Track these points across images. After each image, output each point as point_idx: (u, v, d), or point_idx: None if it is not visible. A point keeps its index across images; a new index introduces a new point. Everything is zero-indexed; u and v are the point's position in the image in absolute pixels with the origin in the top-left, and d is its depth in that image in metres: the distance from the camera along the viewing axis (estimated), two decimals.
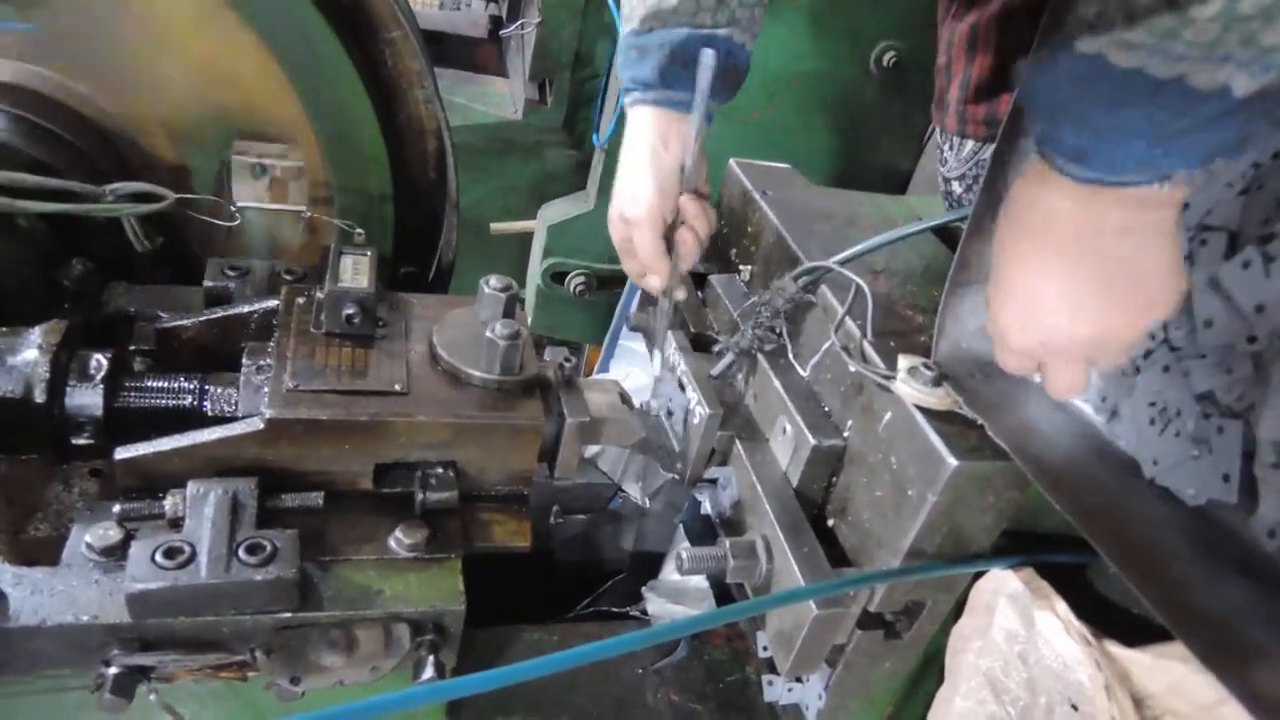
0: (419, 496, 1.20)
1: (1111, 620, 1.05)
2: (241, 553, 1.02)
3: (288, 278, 1.47)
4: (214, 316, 1.36)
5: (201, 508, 1.06)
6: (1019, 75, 0.82)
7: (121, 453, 1.11)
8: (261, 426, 1.12)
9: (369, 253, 1.34)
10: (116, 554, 1.05)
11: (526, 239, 2.60)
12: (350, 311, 1.25)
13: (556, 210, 2.46)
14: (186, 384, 1.22)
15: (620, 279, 2.33)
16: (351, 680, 1.13)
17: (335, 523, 1.17)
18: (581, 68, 2.79)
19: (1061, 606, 1.04)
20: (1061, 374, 0.96)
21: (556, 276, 2.45)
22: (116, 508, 1.10)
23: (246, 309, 1.36)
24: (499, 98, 3.06)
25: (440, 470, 1.22)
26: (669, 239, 1.34)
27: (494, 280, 1.31)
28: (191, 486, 1.08)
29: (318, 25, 1.60)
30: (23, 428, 1.14)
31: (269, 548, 1.03)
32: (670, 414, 1.42)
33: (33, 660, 1.01)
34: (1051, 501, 0.95)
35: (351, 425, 1.15)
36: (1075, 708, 1.04)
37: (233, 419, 1.17)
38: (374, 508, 1.20)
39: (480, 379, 1.24)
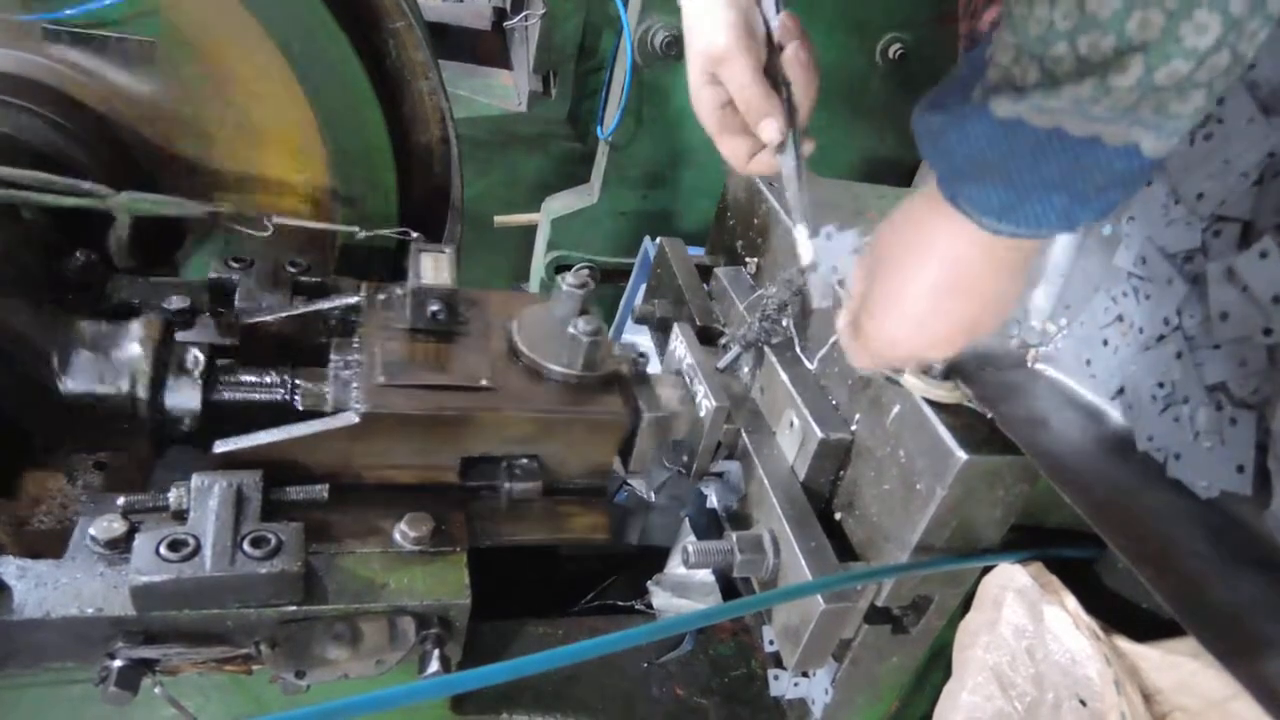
0: (505, 487, 1.23)
1: (1120, 615, 1.05)
2: (246, 545, 1.02)
3: (292, 270, 1.46)
4: (296, 312, 1.37)
5: (206, 500, 1.06)
6: (916, 125, 0.82)
7: (220, 446, 1.12)
8: (356, 420, 1.13)
9: (447, 250, 1.36)
10: (121, 546, 1.05)
11: (530, 231, 2.60)
12: (435, 308, 1.27)
13: (560, 203, 2.45)
14: (277, 379, 1.23)
15: (624, 272, 2.33)
16: (356, 674, 1.12)
17: (340, 516, 1.17)
18: (585, 60, 2.78)
19: (1070, 601, 1.03)
20: (868, 363, 1.03)
21: (560, 269, 2.44)
22: (121, 500, 1.10)
23: (327, 305, 1.36)
24: (503, 90, 3.05)
25: (524, 461, 1.25)
26: (772, 77, 1.08)
27: (570, 278, 1.33)
28: (196, 479, 1.08)
29: (321, 15, 1.59)
30: (126, 422, 1.15)
31: (273, 540, 1.03)
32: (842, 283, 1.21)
33: (37, 653, 1.00)
34: (1062, 495, 0.94)
35: (442, 419, 1.18)
36: (1083, 703, 1.03)
37: (321, 413, 1.18)
38: (379, 501, 1.20)
39: (561, 374, 1.27)
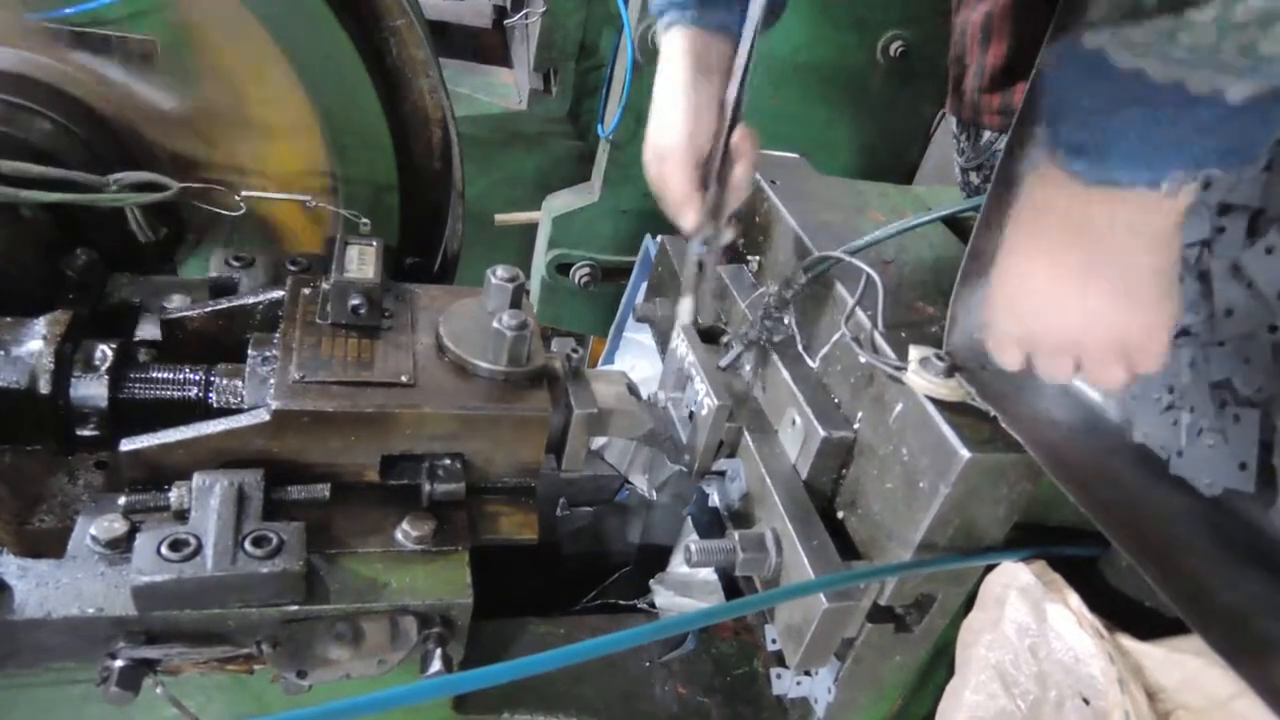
0: (426, 488, 1.19)
1: (1123, 613, 1.04)
2: (247, 545, 1.02)
3: (292, 268, 1.46)
4: (219, 307, 1.35)
5: (207, 500, 1.05)
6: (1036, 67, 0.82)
7: (127, 444, 1.10)
8: (268, 418, 1.11)
9: (375, 243, 1.33)
10: (122, 546, 1.04)
11: (531, 230, 2.59)
12: (356, 302, 1.24)
13: (561, 201, 2.45)
14: (192, 375, 1.21)
15: (625, 270, 2.32)
16: (358, 673, 1.12)
17: (342, 515, 1.16)
18: (586, 58, 2.77)
19: (1074, 599, 1.03)
20: (1046, 368, 0.98)
21: (561, 268, 2.44)
22: (122, 500, 1.09)
23: (252, 300, 1.34)
24: (503, 88, 3.04)
25: (447, 462, 1.21)
26: (706, 176, 1.22)
27: (501, 271, 1.30)
28: (197, 478, 1.07)
29: (322, 13, 1.58)
30: (27, 418, 1.13)
31: (275, 540, 1.02)
32: (690, 380, 1.36)
33: (38, 653, 1.00)
34: (1066, 494, 0.94)
35: (358, 417, 1.14)
36: (1086, 701, 1.03)
37: (238, 410, 1.17)
38: (381, 500, 1.20)
39: (487, 370, 1.23)
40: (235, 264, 1.46)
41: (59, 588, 1.00)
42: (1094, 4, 0.71)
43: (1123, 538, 0.89)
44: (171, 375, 1.21)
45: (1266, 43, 0.63)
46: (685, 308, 1.39)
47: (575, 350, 1.35)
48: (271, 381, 1.16)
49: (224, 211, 1.58)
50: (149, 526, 1.05)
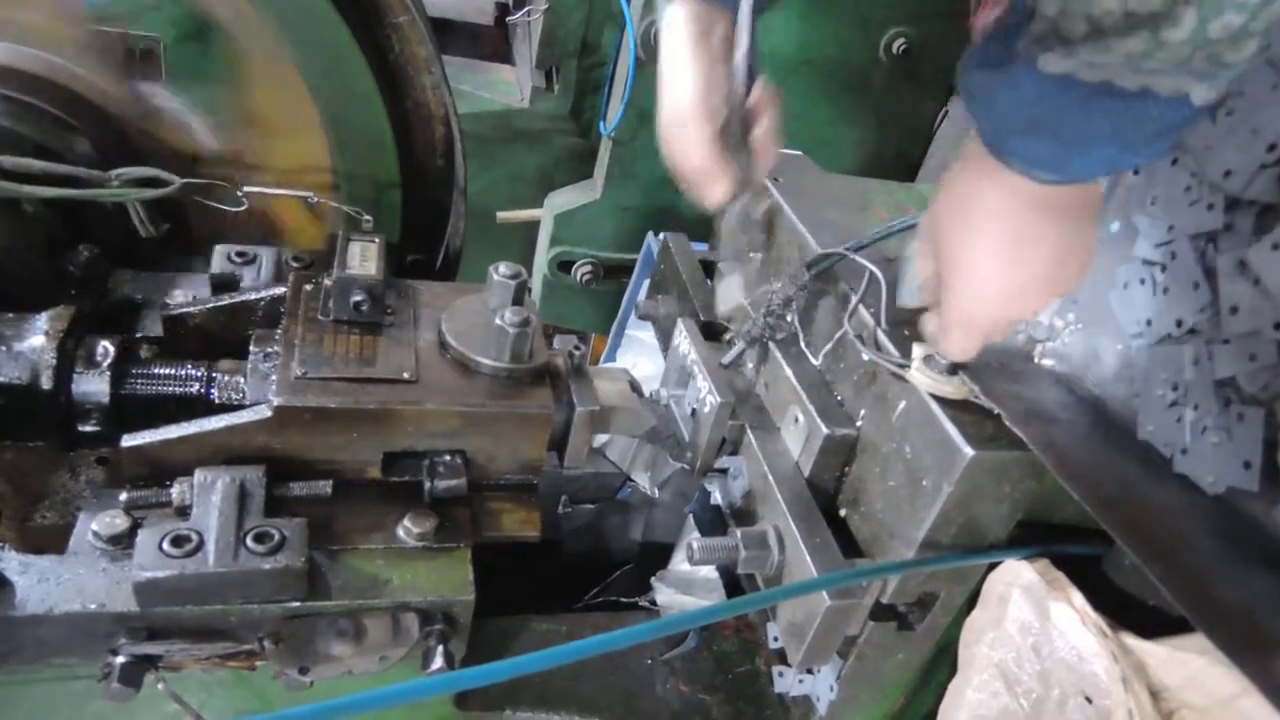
0: (427, 485, 1.19)
1: (1126, 612, 1.04)
2: (249, 541, 1.01)
3: (295, 265, 1.45)
4: (221, 303, 1.35)
5: (209, 496, 1.05)
6: (963, 83, 0.84)
7: (128, 440, 1.10)
8: (269, 414, 1.11)
9: (377, 239, 1.33)
10: (124, 542, 1.04)
11: (533, 227, 2.59)
12: (358, 299, 1.24)
13: (563, 199, 2.45)
14: (194, 371, 1.21)
15: (627, 268, 2.32)
16: (360, 670, 1.12)
17: (343, 511, 1.16)
18: (588, 55, 2.77)
19: (1078, 598, 1.03)
20: (970, 340, 1.03)
21: (563, 265, 2.44)
22: (123, 496, 1.09)
23: (254, 296, 1.34)
24: (505, 85, 3.04)
25: (449, 458, 1.21)
26: (725, 144, 1.16)
27: (503, 267, 1.30)
28: (199, 474, 1.07)
29: (325, 10, 1.58)
30: (29, 414, 1.13)
31: (277, 536, 1.02)
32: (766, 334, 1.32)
33: (40, 649, 1.00)
34: (1070, 491, 0.94)
35: (359, 413, 1.14)
36: (1089, 700, 1.02)
37: (240, 407, 1.16)
38: (382, 496, 1.19)
39: (489, 367, 1.23)
40: (237, 260, 1.46)
41: (61, 584, 1.00)
42: (1042, 28, 0.73)
43: (1126, 536, 0.89)
44: (173, 371, 1.21)
45: (1230, 54, 0.67)
46: (732, 288, 1.32)
47: (577, 347, 1.34)
48: (273, 378, 1.15)
49: (226, 207, 1.58)
50: (151, 522, 1.05)
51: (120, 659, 0.99)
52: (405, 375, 1.19)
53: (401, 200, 1.84)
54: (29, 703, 1.09)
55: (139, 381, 1.19)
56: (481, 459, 1.24)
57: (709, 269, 1.64)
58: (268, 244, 1.49)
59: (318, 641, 1.08)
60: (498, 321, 1.21)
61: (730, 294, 1.32)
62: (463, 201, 1.84)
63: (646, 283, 1.91)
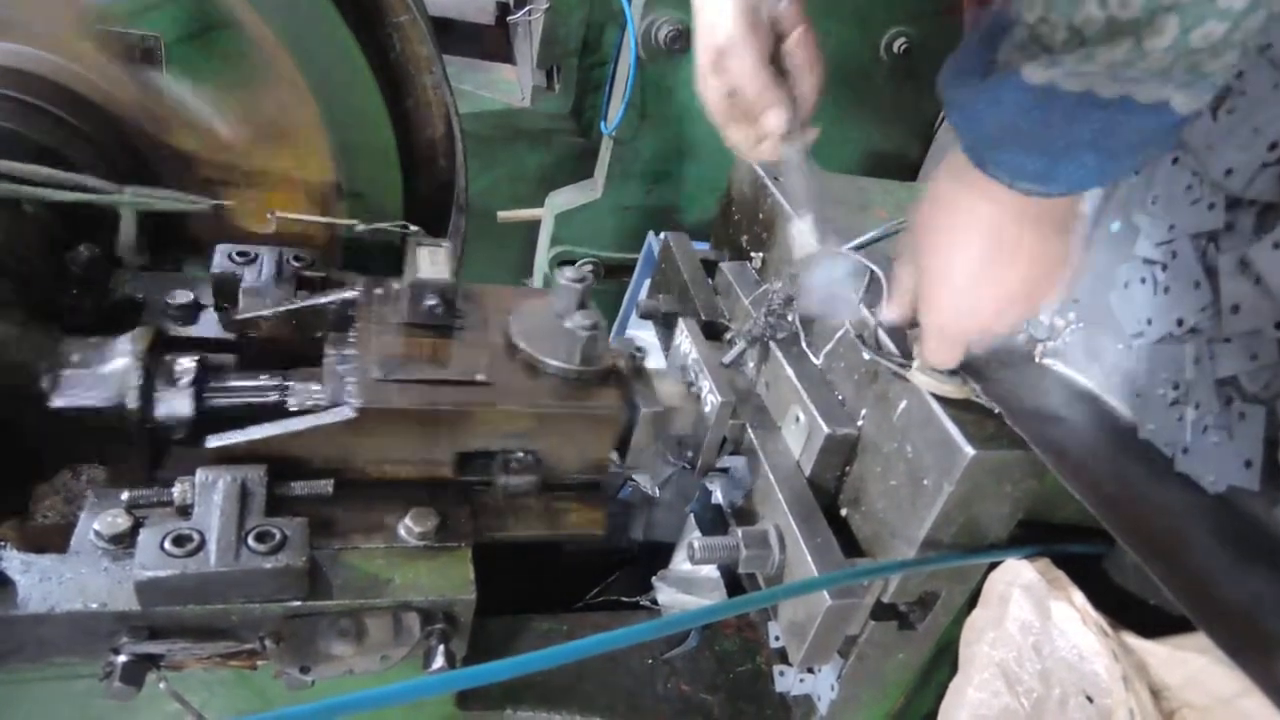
0: (500, 481, 1.23)
1: (1128, 611, 1.04)
2: (250, 540, 1.02)
3: (295, 264, 1.46)
4: (292, 307, 1.36)
5: (210, 495, 1.06)
6: (944, 94, 0.83)
7: (213, 441, 1.11)
8: (352, 415, 1.13)
9: (445, 244, 1.35)
10: (125, 541, 1.04)
11: (534, 227, 2.59)
12: (432, 302, 1.26)
13: (564, 198, 2.45)
14: (269, 381, 1.23)
15: (628, 267, 2.32)
16: (361, 669, 1.12)
17: (345, 511, 1.16)
18: (589, 55, 2.77)
19: (1078, 597, 1.03)
20: (949, 350, 1.03)
21: (564, 264, 2.44)
22: (125, 495, 1.09)
23: (324, 300, 1.35)
24: (506, 85, 3.04)
25: (521, 456, 1.24)
26: (778, 66, 1.09)
27: (569, 272, 1.32)
28: (200, 474, 1.07)
29: (326, 9, 1.58)
30: (118, 436, 1.14)
31: (278, 535, 1.02)
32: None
33: (41, 648, 1.00)
34: (1071, 491, 0.94)
35: (438, 414, 1.17)
36: (1090, 699, 1.03)
37: (315, 410, 1.18)
38: (384, 495, 1.20)
39: (558, 369, 1.26)
40: (238, 259, 1.45)
41: (62, 583, 1.00)
42: (1021, 37, 0.73)
43: (1127, 535, 0.89)
44: (250, 383, 1.22)
45: (1211, 64, 0.67)
46: (807, 229, 1.20)
47: (639, 350, 1.37)
48: (351, 380, 1.17)
49: (257, 229, 1.59)
50: (152, 522, 1.05)
51: (122, 658, 0.99)
52: (480, 377, 1.21)
53: (403, 200, 1.84)
54: (31, 702, 1.09)
55: (218, 395, 1.20)
56: (550, 459, 1.27)
57: (710, 268, 1.64)
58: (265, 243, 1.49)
59: (319, 641, 1.08)
60: (567, 325, 1.25)
61: (806, 239, 1.20)
62: (464, 201, 1.84)
63: (647, 282, 1.91)
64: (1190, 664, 0.96)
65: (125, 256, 1.53)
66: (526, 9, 2.77)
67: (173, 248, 1.70)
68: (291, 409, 1.20)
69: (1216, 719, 0.94)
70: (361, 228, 1.65)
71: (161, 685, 1.02)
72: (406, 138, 1.80)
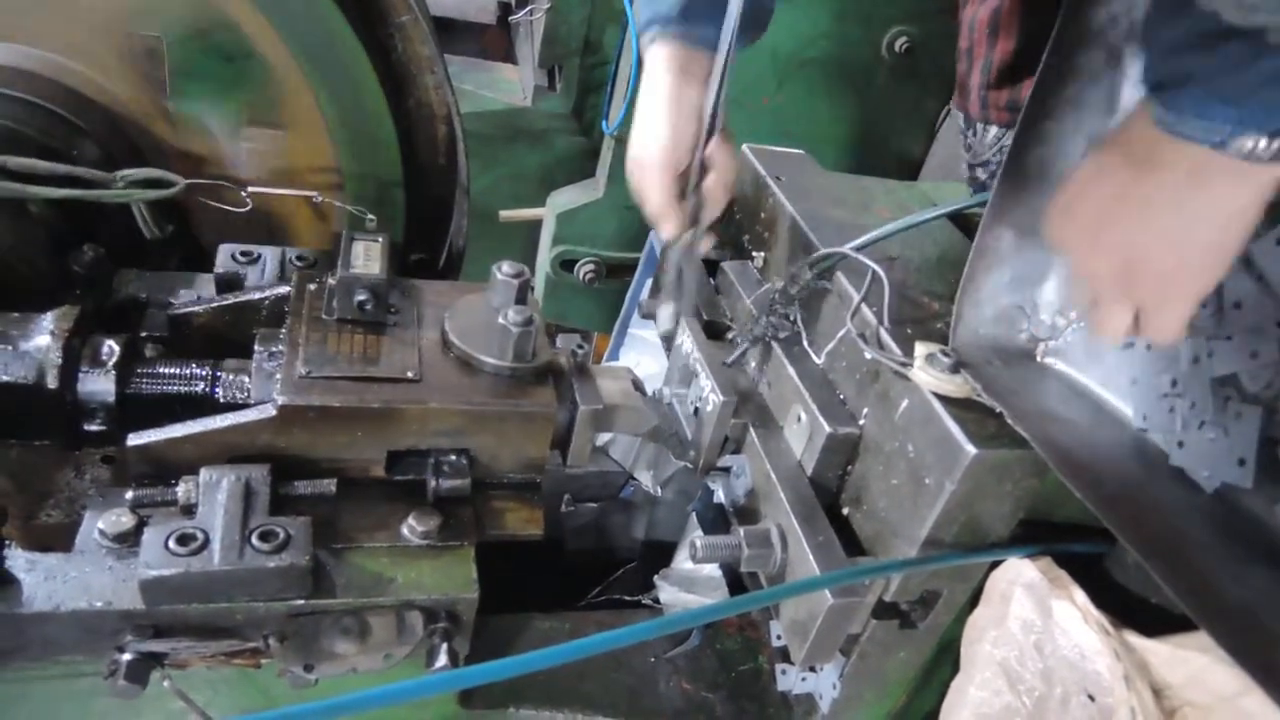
0: (431, 484, 1.20)
1: (1129, 610, 1.04)
2: (254, 539, 1.02)
3: (299, 264, 1.46)
4: (226, 303, 1.35)
5: (214, 494, 1.06)
6: (1144, 30, 0.81)
7: (134, 439, 1.10)
8: (274, 413, 1.11)
9: (380, 239, 1.33)
10: (129, 540, 1.05)
11: (535, 226, 2.59)
12: (362, 298, 1.24)
13: (566, 198, 2.45)
14: (198, 370, 1.22)
15: (630, 266, 2.32)
16: (365, 668, 1.12)
17: (348, 510, 1.17)
18: (590, 54, 2.77)
19: (1080, 596, 1.03)
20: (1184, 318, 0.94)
21: (565, 264, 2.44)
22: (129, 494, 1.10)
23: (258, 295, 1.35)
24: (508, 84, 3.05)
25: (453, 457, 1.22)
26: (684, 186, 1.26)
27: (506, 266, 1.30)
28: (204, 473, 1.07)
29: (328, 9, 1.58)
30: (35, 413, 1.14)
31: (282, 535, 1.03)
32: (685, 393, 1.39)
33: (46, 646, 1.01)
34: (1072, 490, 0.94)
35: (364, 412, 1.15)
36: (1092, 698, 1.03)
37: (245, 405, 1.17)
38: (387, 495, 1.20)
39: (493, 366, 1.23)
40: (241, 259, 1.46)
41: (67, 581, 1.01)
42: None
43: (1129, 534, 0.89)
44: (178, 370, 1.21)
45: None
46: (665, 314, 1.44)
47: (580, 346, 1.34)
48: (278, 377, 1.16)
49: (229, 207, 1.58)
50: (156, 521, 1.06)
51: (126, 656, 0.99)
52: (409, 374, 1.19)
53: (404, 199, 1.85)
54: (35, 700, 1.09)
55: (144, 381, 1.20)
56: (485, 458, 1.25)
57: (711, 267, 1.64)
58: (272, 243, 1.50)
59: (322, 639, 1.09)
60: (501, 320, 1.22)
61: (663, 320, 1.45)
62: (465, 200, 1.85)
63: (649, 281, 1.91)
64: (1192, 663, 0.96)
65: (147, 233, 1.52)
66: (528, 9, 2.77)
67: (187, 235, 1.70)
68: (220, 401, 1.20)
69: (1218, 718, 0.94)
70: (319, 199, 1.64)
71: (166, 684, 1.02)
72: (408, 137, 1.81)
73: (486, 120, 2.80)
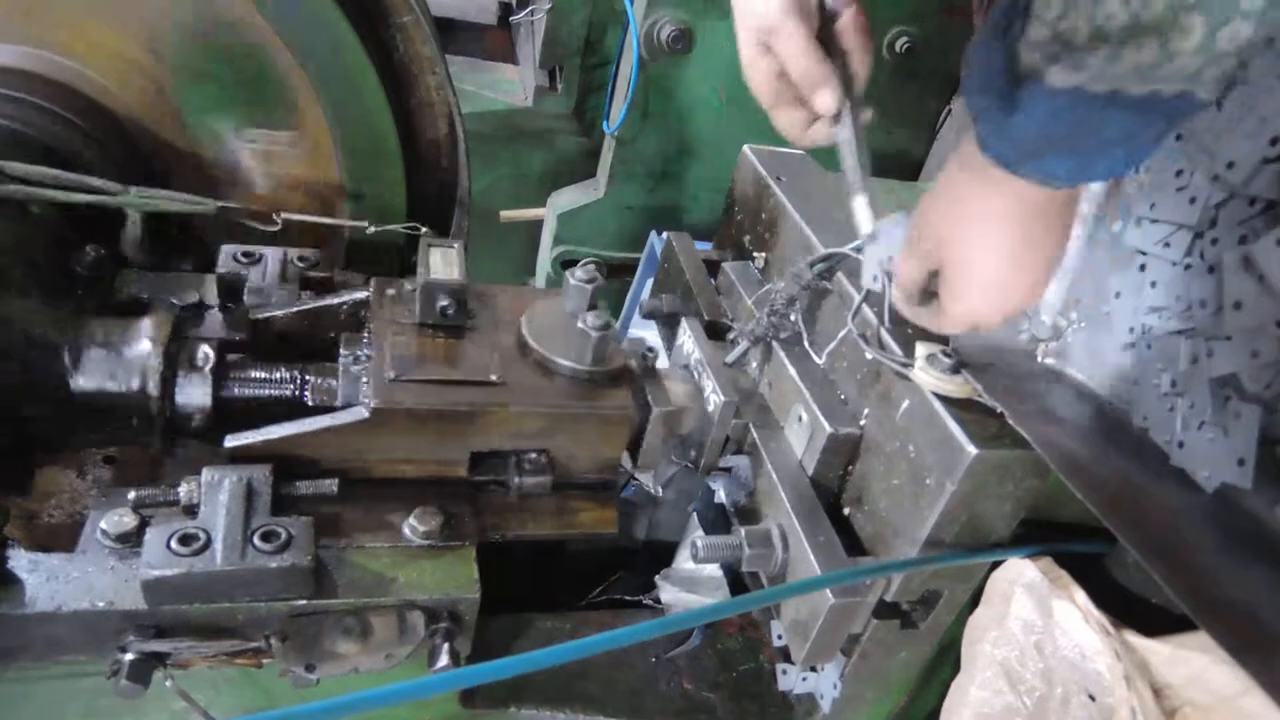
0: (514, 481, 1.23)
1: (1130, 610, 1.04)
2: (256, 540, 1.02)
3: (299, 265, 1.46)
4: (306, 307, 1.37)
5: (216, 495, 1.06)
6: (971, 108, 0.81)
7: (231, 441, 1.12)
8: (367, 415, 1.14)
9: (455, 245, 1.35)
10: (132, 540, 1.05)
11: (536, 226, 2.60)
12: (444, 303, 1.27)
13: (566, 198, 2.46)
14: (287, 374, 1.24)
15: (631, 267, 2.33)
16: (366, 668, 1.13)
17: (349, 510, 1.17)
18: (591, 55, 2.77)
19: (1080, 596, 1.03)
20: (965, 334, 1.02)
21: (566, 264, 2.44)
22: (131, 494, 1.10)
23: (336, 300, 1.37)
24: (509, 85, 3.05)
25: (534, 456, 1.25)
26: (825, 45, 1.04)
27: (579, 272, 1.32)
28: (206, 473, 1.08)
29: (329, 10, 1.59)
30: (137, 418, 1.16)
31: (284, 535, 1.03)
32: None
33: (49, 646, 1.01)
34: (1073, 490, 0.94)
35: (451, 414, 1.18)
36: (1092, 698, 1.03)
37: (331, 408, 1.19)
38: (388, 495, 1.20)
39: (570, 369, 1.27)
40: (243, 260, 1.46)
41: (69, 582, 1.01)
42: (1042, 37, 0.71)
43: (1129, 534, 0.89)
44: (268, 374, 1.24)
45: (1241, 71, 0.66)
46: (862, 207, 1.16)
47: (650, 350, 1.37)
48: (365, 380, 1.18)
49: (262, 226, 1.59)
50: (158, 521, 1.06)
51: (129, 656, 1.00)
52: (493, 377, 1.22)
53: (406, 199, 1.85)
54: (38, 699, 1.10)
55: (237, 384, 1.22)
56: (562, 458, 1.28)
57: (713, 268, 1.64)
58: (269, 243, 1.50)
59: (324, 639, 1.09)
60: (580, 325, 1.25)
61: (862, 218, 1.17)
62: (466, 200, 1.85)
63: (650, 282, 1.91)
64: (1192, 663, 0.96)
65: (130, 254, 1.54)
66: (529, 9, 2.77)
67: (176, 248, 1.71)
68: (309, 404, 1.21)
69: (1218, 717, 0.94)
70: (373, 230, 1.65)
71: (168, 683, 1.02)
72: (409, 138, 1.81)
73: (487, 120, 2.80)
